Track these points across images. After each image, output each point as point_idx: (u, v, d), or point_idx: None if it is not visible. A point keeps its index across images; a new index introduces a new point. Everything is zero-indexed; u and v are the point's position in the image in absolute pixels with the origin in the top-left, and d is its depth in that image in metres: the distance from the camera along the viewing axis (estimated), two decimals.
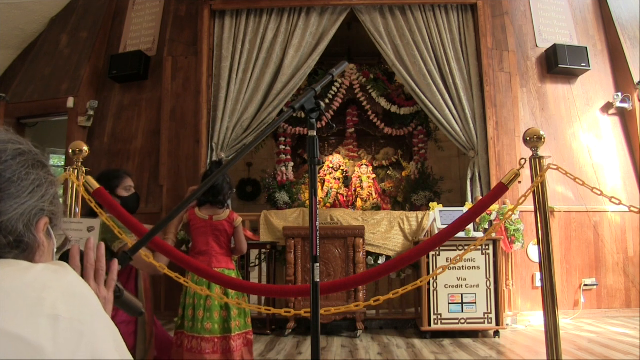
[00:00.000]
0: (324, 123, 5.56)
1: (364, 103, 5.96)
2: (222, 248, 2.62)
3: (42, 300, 0.51)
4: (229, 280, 2.37)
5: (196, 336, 2.44)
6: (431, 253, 3.90)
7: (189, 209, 2.63)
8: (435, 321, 3.86)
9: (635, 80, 5.01)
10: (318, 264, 1.34)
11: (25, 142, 0.68)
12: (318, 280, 1.33)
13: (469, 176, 4.88)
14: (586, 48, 5.13)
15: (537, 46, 5.23)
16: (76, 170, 2.49)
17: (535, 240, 3.72)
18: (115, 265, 0.86)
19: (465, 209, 4.29)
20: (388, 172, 6.48)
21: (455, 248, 3.93)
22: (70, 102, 5.18)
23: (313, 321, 1.31)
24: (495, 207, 4.31)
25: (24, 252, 0.63)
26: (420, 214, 4.59)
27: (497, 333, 3.89)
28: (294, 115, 6.20)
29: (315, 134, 1.37)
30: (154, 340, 2.43)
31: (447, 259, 3.80)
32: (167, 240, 2.47)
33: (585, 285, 4.67)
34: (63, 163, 7.61)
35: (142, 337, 2.34)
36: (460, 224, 2.19)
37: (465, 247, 3.81)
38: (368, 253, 4.38)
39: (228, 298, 2.46)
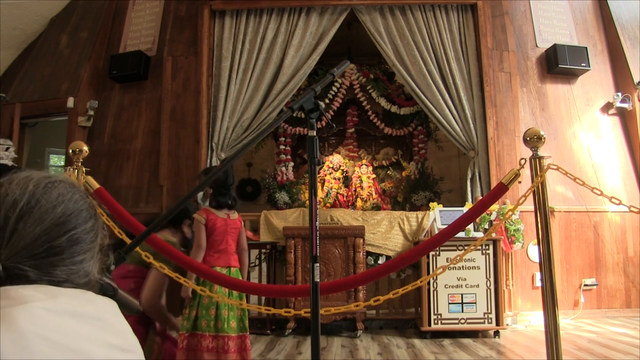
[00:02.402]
0: (324, 123, 5.56)
1: (364, 103, 5.96)
2: (234, 247, 2.71)
3: (103, 329, 0.60)
4: (229, 281, 2.38)
5: (222, 335, 2.47)
6: (431, 253, 3.90)
7: (201, 211, 2.66)
8: (435, 321, 3.86)
9: (635, 80, 5.01)
10: (318, 264, 1.34)
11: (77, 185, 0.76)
12: (318, 280, 1.33)
13: (469, 176, 4.88)
14: (586, 48, 5.12)
15: (537, 46, 5.23)
16: (76, 170, 2.49)
17: (535, 240, 3.72)
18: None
19: (465, 209, 4.29)
20: (388, 172, 6.48)
21: (455, 248, 3.93)
22: (70, 102, 5.17)
23: (313, 321, 1.31)
24: (495, 207, 4.31)
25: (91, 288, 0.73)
26: (420, 214, 4.59)
27: (497, 333, 3.89)
28: (294, 115, 6.13)
29: (315, 134, 1.37)
30: (164, 354, 2.44)
31: (447, 259, 3.79)
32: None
33: (585, 285, 4.67)
34: (63, 163, 7.61)
35: (150, 343, 2.37)
36: (460, 224, 2.19)
37: (465, 247, 3.81)
38: (368, 253, 4.38)
39: (242, 299, 2.56)
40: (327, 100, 5.85)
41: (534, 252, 4.49)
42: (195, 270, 2.36)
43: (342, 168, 6.34)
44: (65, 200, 0.68)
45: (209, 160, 4.94)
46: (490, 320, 3.86)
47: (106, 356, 0.57)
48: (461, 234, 3.76)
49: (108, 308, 0.64)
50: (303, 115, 1.52)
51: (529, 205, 2.40)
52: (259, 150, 6.51)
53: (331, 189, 6.19)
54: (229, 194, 2.69)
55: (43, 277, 0.63)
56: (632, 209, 2.20)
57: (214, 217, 2.63)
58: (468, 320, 3.87)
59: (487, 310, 3.87)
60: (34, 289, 0.58)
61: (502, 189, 2.18)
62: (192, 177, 4.91)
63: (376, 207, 5.96)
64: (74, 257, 0.67)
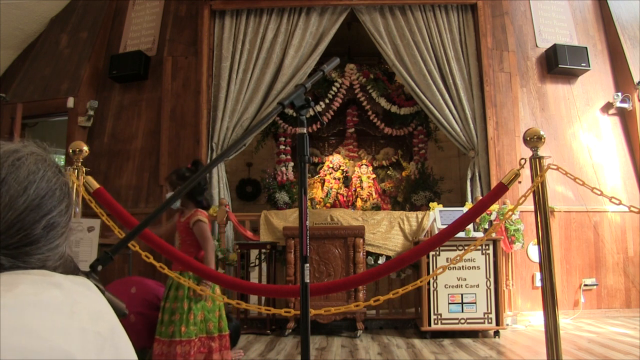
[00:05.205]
0: (324, 123, 5.56)
1: (364, 103, 5.96)
2: None
3: (73, 314, 0.53)
4: (229, 280, 2.38)
5: (224, 334, 2.53)
6: (431, 253, 3.90)
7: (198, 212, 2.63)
8: (435, 321, 3.86)
9: (635, 80, 5.01)
10: (308, 264, 1.34)
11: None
12: (308, 281, 1.32)
13: (469, 176, 4.88)
14: (586, 48, 5.12)
15: (537, 46, 5.23)
16: (76, 170, 2.49)
17: (535, 240, 3.71)
18: None
19: (465, 209, 4.29)
20: (388, 172, 6.48)
21: (455, 248, 3.93)
22: (70, 102, 5.17)
23: (303, 321, 1.31)
24: (495, 207, 4.31)
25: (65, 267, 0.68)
26: (420, 214, 4.59)
27: (497, 333, 3.89)
28: (294, 115, 6.12)
29: (305, 131, 1.35)
30: None
31: (447, 259, 3.79)
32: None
33: (585, 285, 4.67)
34: (63, 163, 7.61)
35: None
36: (460, 224, 2.20)
37: (465, 247, 3.80)
38: (368, 253, 4.38)
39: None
40: (327, 100, 5.85)
41: (534, 252, 4.48)
42: (194, 269, 2.36)
43: (342, 168, 6.34)
44: (37, 180, 0.60)
45: (208, 160, 4.94)
46: (490, 320, 3.86)
47: (82, 345, 0.51)
48: (461, 234, 3.76)
49: (76, 289, 0.57)
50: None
51: (529, 205, 2.40)
52: (259, 150, 6.50)
53: (331, 189, 6.19)
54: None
55: (18, 265, 0.57)
56: (632, 209, 2.20)
57: (208, 219, 2.65)
58: (468, 320, 3.87)
59: (487, 310, 3.87)
60: None
61: (502, 189, 2.18)
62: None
63: (376, 207, 5.96)
64: (50, 244, 0.61)
